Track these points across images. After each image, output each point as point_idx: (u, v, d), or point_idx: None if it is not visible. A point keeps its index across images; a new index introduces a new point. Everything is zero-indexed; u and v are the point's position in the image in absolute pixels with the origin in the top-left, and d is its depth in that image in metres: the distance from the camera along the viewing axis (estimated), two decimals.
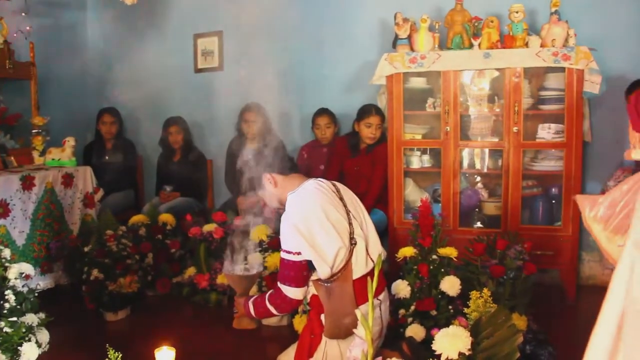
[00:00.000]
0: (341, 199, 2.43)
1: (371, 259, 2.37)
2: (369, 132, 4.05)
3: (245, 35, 4.83)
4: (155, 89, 5.24)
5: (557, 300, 3.63)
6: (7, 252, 2.72)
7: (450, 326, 1.78)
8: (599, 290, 3.78)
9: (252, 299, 2.49)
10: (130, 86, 5.34)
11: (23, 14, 4.45)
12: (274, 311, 2.41)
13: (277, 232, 3.56)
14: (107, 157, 4.87)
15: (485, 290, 1.95)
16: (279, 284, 2.35)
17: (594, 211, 1.80)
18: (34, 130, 4.11)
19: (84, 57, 5.44)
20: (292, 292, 2.32)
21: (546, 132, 3.66)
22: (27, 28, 4.41)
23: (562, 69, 3.53)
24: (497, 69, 3.70)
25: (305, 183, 2.45)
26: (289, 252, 2.30)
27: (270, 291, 2.42)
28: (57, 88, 4.92)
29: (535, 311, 2.92)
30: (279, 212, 2.52)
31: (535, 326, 2.79)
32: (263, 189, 2.53)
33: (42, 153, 4.09)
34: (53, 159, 4.01)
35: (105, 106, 4.94)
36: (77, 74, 5.30)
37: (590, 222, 1.83)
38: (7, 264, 2.68)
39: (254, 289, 3.20)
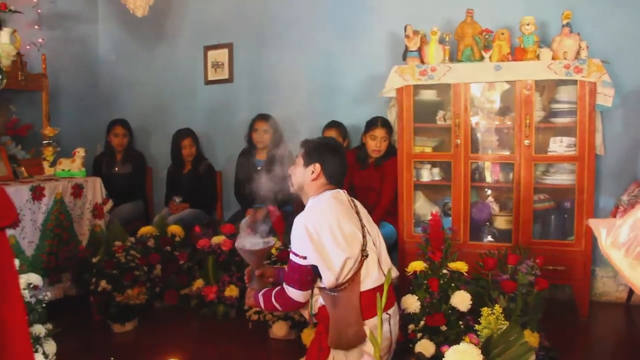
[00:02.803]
0: (357, 212, 2.46)
1: (383, 273, 2.35)
2: (374, 144, 4.03)
3: (255, 48, 4.86)
4: (165, 100, 5.28)
5: (570, 316, 3.57)
6: (16, 263, 2.72)
7: (461, 343, 1.74)
8: (613, 307, 3.77)
9: (262, 292, 2.54)
10: (141, 98, 5.37)
11: (36, 26, 4.51)
12: (278, 307, 2.47)
13: (286, 245, 3.55)
14: (117, 169, 4.88)
15: (496, 306, 1.91)
16: (284, 284, 2.41)
17: (611, 236, 1.61)
18: (44, 141, 4.13)
19: (94, 69, 5.48)
20: (295, 294, 2.38)
21: (558, 145, 3.62)
22: (40, 40, 4.46)
23: (574, 82, 3.49)
24: (508, 82, 3.67)
25: (327, 191, 2.48)
26: (296, 255, 2.35)
27: (278, 288, 2.47)
28: (68, 99, 4.97)
29: (548, 328, 2.87)
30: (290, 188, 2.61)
31: (547, 343, 2.75)
32: (297, 167, 2.55)
33: (53, 164, 4.10)
34: (63, 170, 4.02)
35: (116, 118, 4.95)
36: (88, 85, 5.35)
37: (608, 250, 1.64)
38: None
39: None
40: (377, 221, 3.82)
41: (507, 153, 3.74)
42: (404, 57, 3.88)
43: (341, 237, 2.29)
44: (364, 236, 2.37)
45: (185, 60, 5.20)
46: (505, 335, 1.76)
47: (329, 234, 2.29)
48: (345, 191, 2.55)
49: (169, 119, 5.15)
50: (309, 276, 2.35)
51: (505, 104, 3.79)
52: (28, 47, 4.31)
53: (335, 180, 2.52)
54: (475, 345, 1.78)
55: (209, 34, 5.06)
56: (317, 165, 2.48)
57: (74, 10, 5.17)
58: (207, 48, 5.08)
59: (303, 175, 2.51)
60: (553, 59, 3.52)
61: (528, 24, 3.55)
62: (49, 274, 3.61)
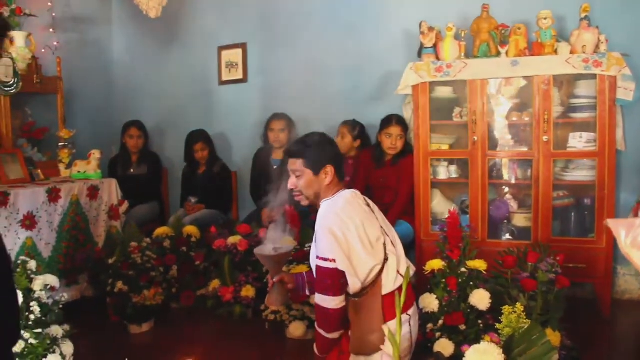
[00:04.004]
0: (373, 213, 2.39)
1: (400, 275, 2.30)
2: (389, 142, 3.99)
3: (269, 47, 4.84)
4: (179, 101, 5.29)
5: (591, 315, 3.50)
6: (32, 264, 2.74)
7: (481, 342, 1.70)
8: (635, 305, 3.69)
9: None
10: (155, 99, 5.39)
11: (51, 30, 4.55)
12: (324, 334, 2.29)
13: (301, 244, 3.53)
14: (132, 170, 4.90)
15: (518, 305, 1.87)
16: (316, 296, 2.27)
17: (631, 236, 1.59)
18: (60, 144, 4.15)
19: (109, 71, 5.51)
20: (330, 302, 2.21)
21: (577, 141, 3.56)
22: (55, 43, 4.49)
23: (594, 76, 3.43)
24: (526, 77, 3.61)
25: (342, 192, 2.38)
26: (324, 259, 2.20)
27: (315, 311, 2.33)
28: (83, 102, 4.99)
29: (569, 326, 2.81)
30: (302, 203, 2.44)
31: (568, 342, 2.69)
32: (305, 179, 2.37)
33: (68, 166, 4.12)
34: (79, 172, 4.03)
35: (131, 119, 4.96)
36: (102, 87, 5.37)
37: (628, 250, 1.61)
38: (32, 276, 2.69)
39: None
40: (394, 220, 3.81)
41: (525, 149, 3.68)
42: (420, 54, 3.84)
43: (368, 242, 2.21)
44: (384, 238, 2.31)
45: (199, 61, 5.20)
46: (527, 335, 1.72)
47: (357, 238, 2.20)
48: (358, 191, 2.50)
49: (184, 120, 5.15)
50: (342, 279, 2.20)
51: (522, 99, 3.73)
52: (43, 50, 4.34)
53: (341, 172, 2.42)
54: (496, 344, 1.74)
55: (223, 34, 5.06)
56: (330, 167, 2.35)
57: (88, 13, 5.20)
58: (221, 48, 5.08)
59: (317, 184, 2.36)
60: (571, 53, 3.46)
61: (545, 18, 3.49)
62: (65, 275, 3.62)
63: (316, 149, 2.37)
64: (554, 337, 2.60)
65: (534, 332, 1.70)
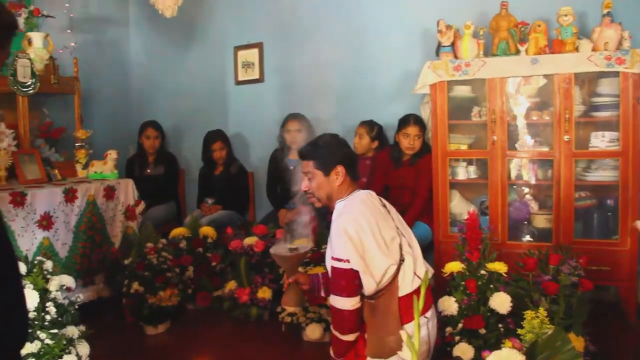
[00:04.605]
0: (389, 213, 2.35)
1: (417, 276, 2.26)
2: (407, 142, 3.94)
3: (285, 47, 4.81)
4: (196, 101, 5.28)
5: (616, 319, 3.41)
6: (49, 264, 2.74)
7: (503, 348, 1.65)
8: None
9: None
10: (172, 99, 5.39)
11: (68, 30, 4.56)
12: (339, 336, 2.27)
13: (318, 245, 3.49)
14: (149, 170, 4.90)
15: (541, 309, 1.82)
16: (331, 297, 2.25)
17: None
18: (77, 144, 4.15)
19: (126, 72, 5.53)
20: (344, 303, 2.19)
21: (600, 140, 3.48)
22: (72, 44, 4.50)
23: (616, 74, 3.35)
24: (546, 75, 3.54)
25: (357, 192, 2.37)
26: (338, 260, 2.19)
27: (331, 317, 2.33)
28: (100, 102, 5.01)
29: (593, 331, 2.73)
30: (315, 205, 2.44)
31: (593, 348, 2.62)
32: (316, 180, 2.38)
33: (85, 166, 4.13)
34: (95, 172, 4.04)
35: (148, 120, 4.97)
36: (119, 88, 5.39)
37: None
38: (48, 276, 2.69)
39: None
40: (412, 221, 3.76)
41: (545, 149, 3.61)
42: (437, 53, 3.78)
43: (383, 242, 2.19)
44: (400, 239, 2.28)
45: (215, 61, 5.19)
46: (551, 341, 1.67)
47: (372, 237, 2.18)
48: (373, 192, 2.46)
49: (200, 120, 5.14)
50: (356, 280, 2.19)
51: (542, 98, 3.66)
52: (61, 50, 4.36)
53: (355, 172, 2.41)
54: (518, 350, 1.69)
55: (239, 34, 5.04)
56: (340, 168, 2.35)
57: (105, 14, 5.22)
58: (237, 48, 5.06)
59: (329, 185, 2.37)
60: (593, 50, 3.38)
61: (566, 15, 3.42)
62: (82, 275, 3.63)
63: (326, 150, 2.38)
64: (577, 342, 2.52)
65: (558, 338, 1.65)
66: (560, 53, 3.43)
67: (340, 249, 2.18)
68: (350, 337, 2.26)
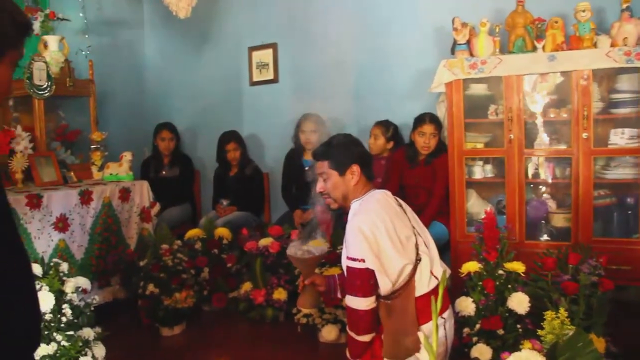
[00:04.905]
0: (405, 213, 2.32)
1: (434, 276, 2.23)
2: (422, 141, 3.91)
3: (299, 47, 4.80)
4: (211, 102, 5.29)
5: (637, 320, 3.35)
6: (64, 266, 2.75)
7: (523, 350, 1.62)
8: None
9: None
10: (187, 101, 5.40)
11: (84, 34, 4.58)
12: (354, 336, 2.25)
13: (334, 246, 3.47)
14: (164, 172, 4.91)
15: (561, 310, 1.78)
16: (346, 297, 2.24)
17: None
18: (92, 146, 4.17)
19: (141, 74, 5.55)
20: (359, 303, 2.18)
21: (619, 137, 3.42)
22: (87, 47, 4.52)
23: (636, 70, 3.29)
24: (563, 72, 3.49)
25: (373, 192, 2.36)
26: (353, 259, 2.18)
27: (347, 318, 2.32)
28: (115, 104, 5.03)
29: (614, 332, 2.68)
30: (331, 206, 2.44)
31: (614, 349, 2.57)
32: (331, 180, 2.38)
33: (101, 168, 4.14)
34: (111, 174, 4.05)
35: (163, 121, 4.98)
36: (134, 90, 5.41)
37: None
38: (64, 278, 2.70)
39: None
40: (429, 221, 3.72)
41: (563, 147, 3.55)
42: (453, 51, 3.74)
43: (398, 240, 2.17)
44: (416, 238, 2.25)
45: (230, 62, 5.19)
46: (572, 342, 1.63)
47: (387, 236, 2.16)
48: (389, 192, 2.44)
49: (215, 121, 5.14)
50: (372, 280, 2.17)
51: (560, 95, 3.60)
52: (76, 54, 4.37)
53: (370, 171, 2.40)
54: (538, 351, 1.65)
55: (253, 35, 5.03)
56: (356, 167, 2.34)
57: (120, 17, 5.24)
58: (252, 49, 5.06)
59: (344, 185, 2.36)
60: (612, 46, 3.32)
61: (584, 11, 3.37)
62: (98, 277, 3.64)
63: (340, 150, 2.37)
64: (598, 343, 2.48)
65: (579, 339, 1.61)
66: (578, 49, 3.38)
67: (356, 249, 2.17)
68: (366, 338, 2.24)
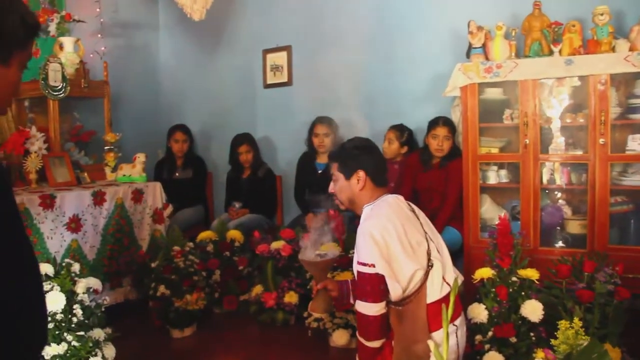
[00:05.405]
0: (417, 218, 2.30)
1: (447, 283, 2.20)
2: (435, 143, 3.88)
3: (314, 50, 4.79)
4: (224, 105, 5.30)
5: None
6: (76, 267, 2.75)
7: (534, 357, 1.58)
8: None
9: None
10: (201, 103, 5.41)
11: (98, 35, 4.63)
12: (364, 342, 2.23)
13: (346, 250, 3.45)
14: (177, 174, 4.92)
15: (576, 320, 1.74)
16: (357, 302, 2.22)
17: None
18: (106, 147, 4.19)
19: (155, 75, 5.57)
20: (369, 308, 2.16)
21: (637, 143, 3.35)
22: (102, 48, 4.56)
23: None
24: (580, 77, 3.44)
25: (385, 196, 2.34)
26: (364, 264, 2.16)
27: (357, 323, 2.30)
28: (129, 106, 5.05)
29: (630, 342, 2.63)
30: (340, 207, 2.45)
31: (630, 359, 2.52)
32: (339, 183, 2.39)
33: (114, 169, 4.16)
34: (124, 175, 4.07)
35: (176, 123, 4.99)
36: (148, 91, 5.43)
37: None
38: (75, 278, 2.70)
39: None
40: (442, 226, 3.69)
41: (580, 153, 3.50)
42: (468, 55, 3.71)
43: (409, 246, 2.15)
44: (428, 244, 2.23)
45: (244, 65, 5.20)
46: (586, 352, 1.59)
47: (397, 241, 2.14)
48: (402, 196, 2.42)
49: (229, 124, 5.15)
50: (382, 285, 2.14)
51: (576, 100, 3.55)
52: (91, 55, 4.41)
53: (381, 179, 2.38)
54: None
55: (267, 38, 5.03)
56: (361, 172, 2.33)
57: (136, 19, 5.27)
58: (266, 51, 5.06)
59: (350, 189, 2.36)
60: (630, 50, 3.27)
61: (602, 14, 3.32)
62: (109, 278, 3.64)
63: (349, 154, 2.37)
64: (613, 353, 2.43)
65: (594, 350, 1.57)
66: (596, 54, 3.33)
67: (366, 253, 2.15)
68: (376, 344, 2.21)
